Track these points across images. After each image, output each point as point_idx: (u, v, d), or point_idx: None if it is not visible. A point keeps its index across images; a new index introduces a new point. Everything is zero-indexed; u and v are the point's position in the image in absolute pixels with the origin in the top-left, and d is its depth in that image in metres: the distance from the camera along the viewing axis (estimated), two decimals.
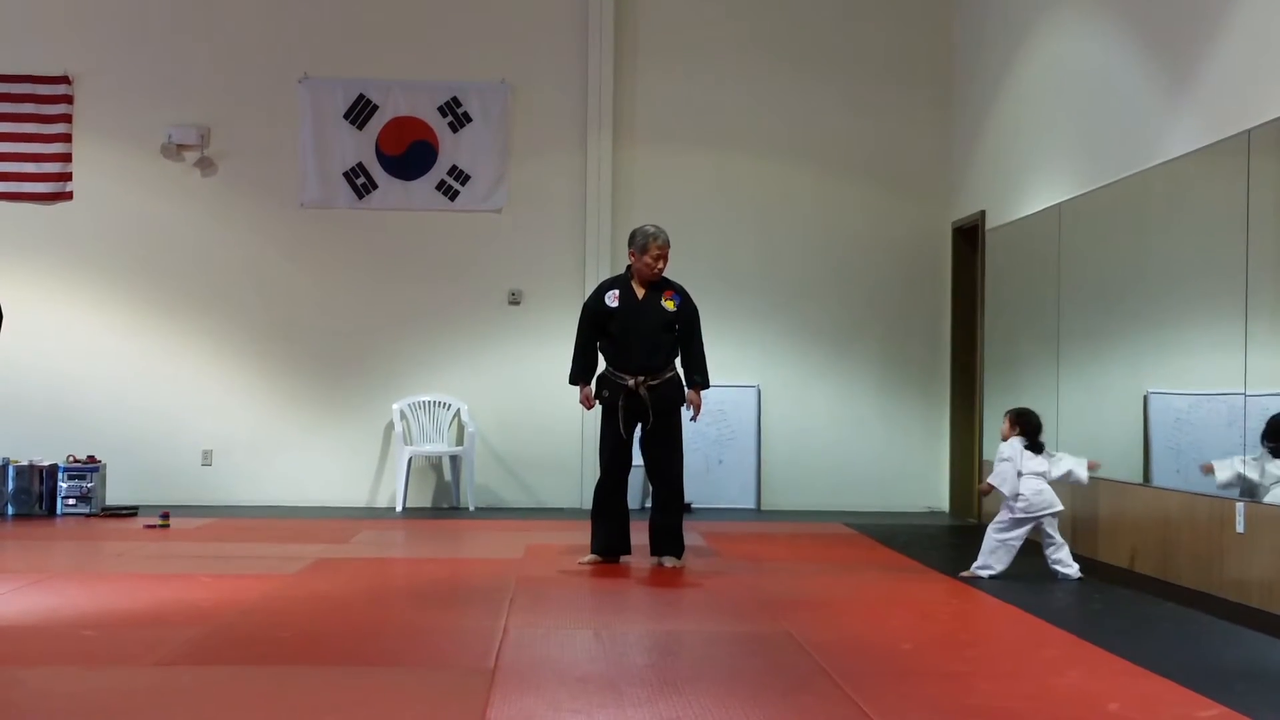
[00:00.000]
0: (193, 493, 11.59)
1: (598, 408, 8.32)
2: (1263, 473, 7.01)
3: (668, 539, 8.17)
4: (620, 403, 8.08)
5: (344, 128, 11.84)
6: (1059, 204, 9.53)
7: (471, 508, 11.54)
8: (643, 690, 4.91)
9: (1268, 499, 6.93)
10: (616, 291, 8.22)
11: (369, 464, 11.87)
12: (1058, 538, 7.79)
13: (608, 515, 8.22)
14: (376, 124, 11.86)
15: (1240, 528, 7.06)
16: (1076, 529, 8.71)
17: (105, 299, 11.77)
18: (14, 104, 11.67)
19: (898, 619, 6.58)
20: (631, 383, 8.08)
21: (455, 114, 11.89)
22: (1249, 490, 7.07)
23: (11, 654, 5.49)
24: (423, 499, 11.88)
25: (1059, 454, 7.98)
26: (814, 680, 5.13)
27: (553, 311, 11.76)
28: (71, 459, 11.03)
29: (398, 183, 11.88)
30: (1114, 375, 8.74)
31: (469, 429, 11.60)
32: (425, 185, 11.89)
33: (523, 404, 11.84)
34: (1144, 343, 8.33)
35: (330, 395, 11.88)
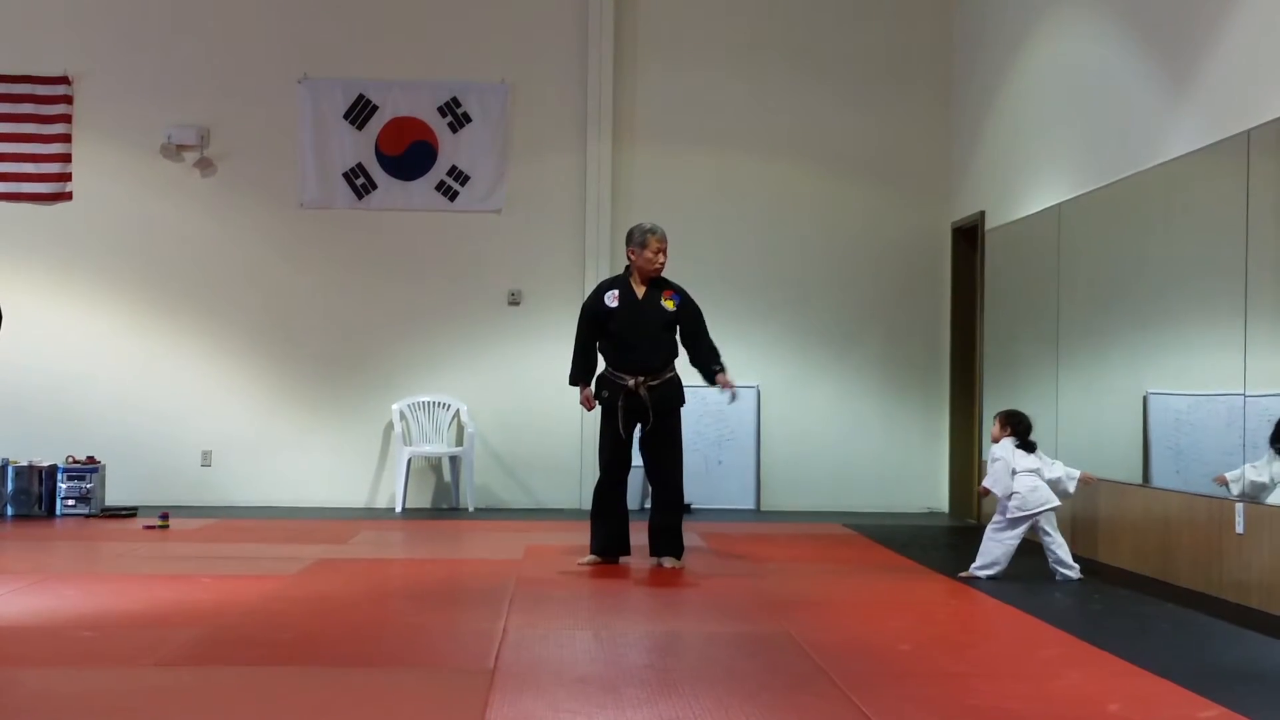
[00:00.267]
0: (192, 493, 11.59)
1: (598, 408, 8.32)
2: (1271, 475, 7.00)
3: (667, 539, 8.16)
4: (620, 403, 8.08)
5: (344, 128, 11.84)
6: (1059, 204, 9.52)
7: (471, 508, 11.54)
8: (642, 691, 4.91)
9: (1270, 499, 6.92)
10: (616, 291, 8.22)
11: (368, 464, 11.87)
12: (1057, 536, 7.77)
13: (607, 516, 8.22)
14: (376, 124, 11.86)
15: (1240, 528, 7.06)
16: (1076, 530, 8.71)
17: (104, 299, 11.77)
18: (14, 104, 11.67)
19: (897, 619, 6.57)
20: (631, 383, 8.08)
21: (455, 114, 11.89)
22: (1257, 493, 7.06)
23: (11, 655, 5.48)
24: (422, 500, 11.88)
25: (1055, 460, 7.97)
26: (813, 681, 5.13)
27: (552, 312, 11.76)
28: (71, 460, 11.03)
29: (397, 183, 11.88)
30: (1113, 375, 8.74)
31: (468, 429, 11.59)
32: (425, 185, 11.89)
33: (522, 404, 11.84)
34: (1144, 343, 8.33)
35: (330, 396, 11.88)
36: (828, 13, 12.08)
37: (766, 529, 10.49)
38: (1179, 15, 7.98)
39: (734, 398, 8.49)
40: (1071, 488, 7.87)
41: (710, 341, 8.29)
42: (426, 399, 11.84)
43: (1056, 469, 7.86)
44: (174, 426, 11.71)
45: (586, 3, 11.83)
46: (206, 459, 11.76)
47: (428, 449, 11.68)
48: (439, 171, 11.88)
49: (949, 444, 11.90)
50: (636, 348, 8.13)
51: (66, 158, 11.74)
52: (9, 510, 10.83)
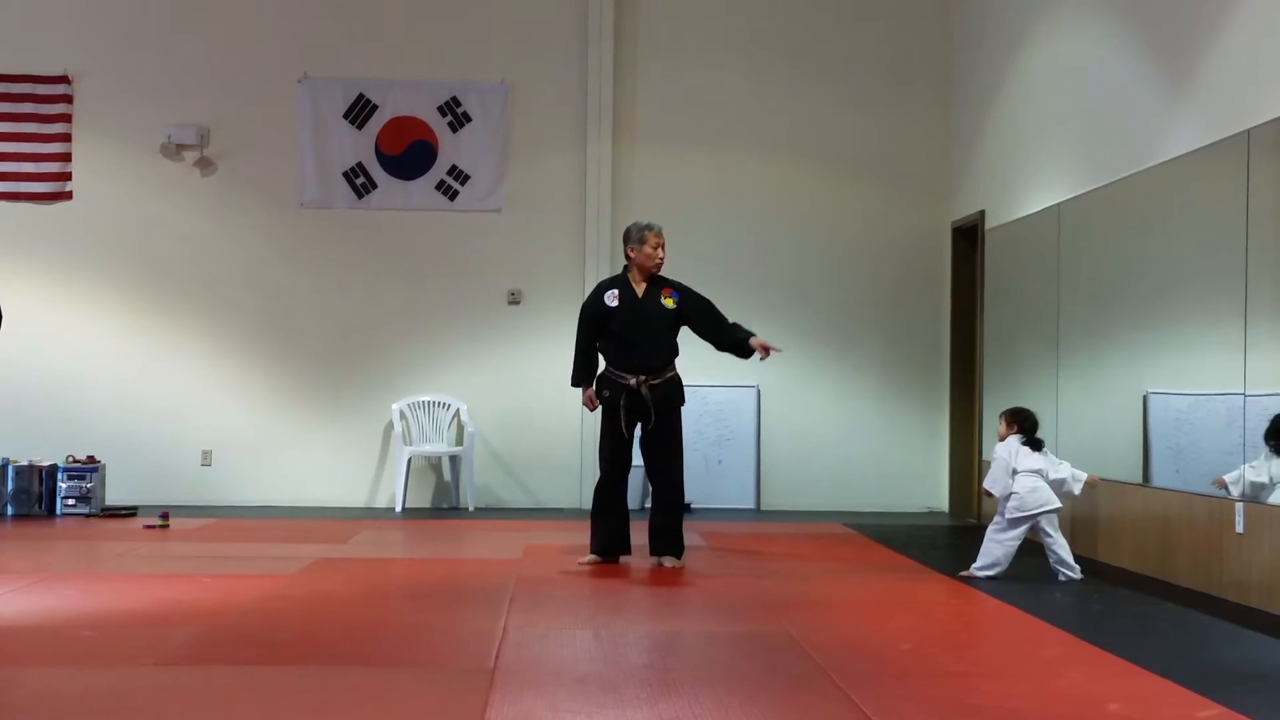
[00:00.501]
0: (192, 493, 11.59)
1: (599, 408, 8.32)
2: (1270, 475, 7.00)
3: (668, 539, 8.16)
4: (621, 402, 8.08)
5: (343, 127, 11.84)
6: (1059, 204, 9.52)
7: (471, 508, 11.54)
8: (642, 690, 4.91)
9: (1271, 499, 6.92)
10: (616, 291, 8.22)
11: (368, 464, 11.87)
12: (1058, 537, 7.77)
13: (608, 515, 8.22)
14: (376, 124, 11.86)
15: (1240, 528, 7.06)
16: (1076, 529, 8.71)
17: (105, 299, 11.77)
18: (14, 104, 11.67)
19: (897, 619, 6.57)
20: (633, 382, 8.07)
21: (455, 114, 11.89)
22: (1256, 493, 7.07)
23: (11, 654, 5.48)
24: (422, 499, 11.88)
25: (1062, 461, 7.94)
26: (813, 680, 5.13)
27: (552, 311, 11.76)
28: (71, 459, 11.03)
29: (397, 183, 11.88)
30: (1113, 375, 8.74)
31: (468, 429, 11.59)
32: (425, 185, 11.89)
33: (522, 404, 11.84)
34: (1144, 342, 8.33)
35: (330, 395, 11.88)
36: (828, 12, 12.08)
37: (767, 528, 10.49)
38: (1179, 15, 7.98)
39: (767, 353, 8.15)
40: (1077, 490, 7.85)
41: (725, 318, 8.28)
42: (426, 398, 11.84)
43: (1063, 470, 7.83)
44: (174, 426, 11.72)
45: (586, 2, 11.83)
46: (206, 458, 11.76)
47: (428, 448, 11.68)
48: (439, 171, 11.88)
49: (949, 444, 11.90)
50: (637, 347, 8.13)
51: (66, 157, 11.74)
52: (9, 510, 10.83)
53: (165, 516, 10.14)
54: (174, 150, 11.77)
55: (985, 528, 8.05)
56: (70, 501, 10.84)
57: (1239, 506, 7.09)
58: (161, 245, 11.81)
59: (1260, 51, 7.10)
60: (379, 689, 4.94)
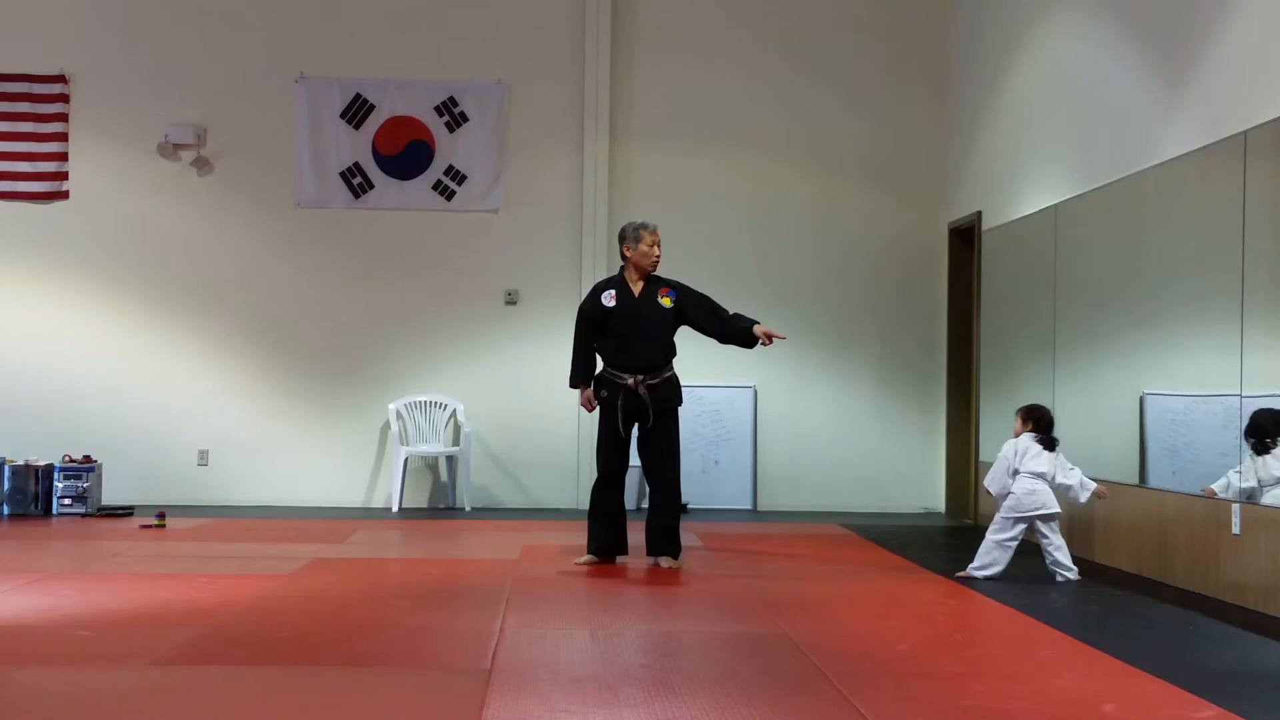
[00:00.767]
0: (189, 493, 11.58)
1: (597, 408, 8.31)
2: (1256, 474, 7.01)
3: (665, 539, 8.16)
4: (619, 402, 8.08)
5: (340, 127, 11.84)
6: (1055, 205, 9.53)
7: (467, 508, 11.53)
8: (639, 691, 4.91)
9: (1274, 497, 6.93)
10: (613, 291, 8.22)
11: (365, 464, 11.87)
12: (1055, 539, 7.77)
13: (605, 515, 8.22)
14: (373, 124, 11.86)
15: (1236, 529, 7.07)
16: (1073, 530, 8.71)
17: (101, 298, 11.77)
18: (10, 103, 11.66)
19: (894, 620, 6.58)
20: (630, 381, 8.08)
21: (452, 114, 11.89)
22: (1248, 497, 7.08)
23: (6, 654, 5.48)
24: (419, 499, 11.87)
25: (1074, 467, 7.93)
26: (810, 681, 5.13)
27: (549, 311, 11.76)
28: (67, 459, 11.02)
29: (394, 182, 11.88)
30: (1110, 376, 8.74)
31: (465, 429, 11.59)
32: (422, 185, 11.88)
33: (519, 404, 11.84)
34: (1140, 344, 8.33)
35: (326, 395, 11.87)
36: (825, 13, 12.08)
37: (763, 529, 10.49)
38: (1175, 17, 7.98)
39: (770, 340, 8.19)
40: (1084, 498, 7.83)
41: (728, 311, 8.29)
42: (423, 398, 11.83)
43: (1072, 476, 7.80)
44: (170, 426, 11.71)
45: (583, 3, 11.83)
46: (203, 458, 11.75)
47: (424, 448, 11.68)
48: (436, 171, 11.88)
49: (945, 444, 11.90)
50: (635, 346, 8.13)
51: (63, 156, 11.73)
52: (5, 509, 10.82)
53: (162, 516, 10.14)
54: (171, 150, 11.76)
55: (982, 528, 8.07)
56: (66, 501, 10.83)
57: (1235, 508, 7.09)
58: (158, 245, 11.80)
59: (1256, 53, 7.10)
60: (375, 689, 4.94)
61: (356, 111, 11.85)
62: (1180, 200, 7.90)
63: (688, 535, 8.83)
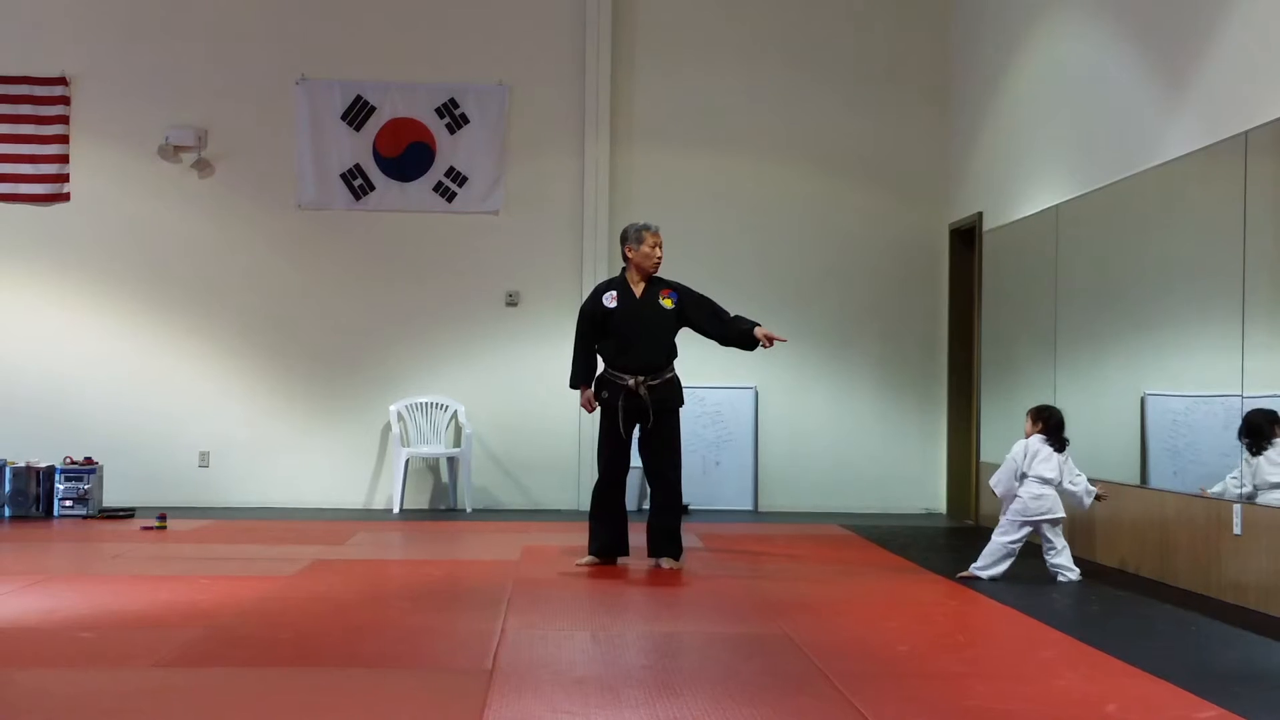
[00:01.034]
0: (190, 494, 11.59)
1: (598, 410, 8.31)
2: (1253, 480, 7.01)
3: (666, 540, 8.16)
4: (620, 403, 8.08)
5: (341, 129, 11.84)
6: (1056, 205, 9.53)
7: (468, 509, 11.53)
8: (640, 692, 4.91)
9: (1267, 499, 6.93)
10: (614, 292, 8.22)
11: (366, 465, 11.87)
12: (1059, 543, 7.77)
13: (606, 516, 8.22)
14: (374, 125, 11.86)
15: (1237, 530, 7.06)
16: (1074, 531, 8.70)
17: (102, 300, 11.77)
18: (11, 105, 11.67)
19: (895, 620, 6.57)
20: (631, 382, 8.08)
21: (453, 115, 11.89)
22: (1246, 496, 7.08)
23: (8, 656, 5.48)
24: (420, 500, 11.87)
25: (1081, 473, 7.90)
26: (811, 682, 5.13)
27: (550, 313, 11.76)
28: (69, 460, 11.02)
29: (395, 184, 11.88)
30: (1111, 377, 8.74)
31: (466, 430, 11.59)
32: (422, 186, 11.89)
33: (520, 405, 11.84)
34: (1141, 344, 8.33)
35: (327, 397, 11.88)
36: (825, 15, 12.09)
37: (764, 530, 10.49)
38: (1176, 17, 7.98)
39: (771, 342, 8.19)
40: (1087, 503, 7.85)
41: (729, 313, 8.30)
42: (424, 400, 11.83)
43: (1079, 483, 7.81)
44: (171, 427, 11.71)
45: (584, 4, 11.83)
46: (204, 460, 11.75)
47: (425, 450, 11.68)
48: (437, 173, 11.88)
49: (946, 445, 11.90)
50: (637, 347, 8.13)
51: (64, 158, 11.74)
52: (6, 511, 10.82)
53: (163, 518, 10.14)
54: (172, 152, 11.76)
55: (983, 528, 8.07)
56: (68, 503, 10.83)
57: (1237, 508, 7.09)
58: (159, 247, 11.81)
59: (1257, 54, 7.10)
60: (377, 690, 4.94)
61: (357, 113, 11.85)
62: (1181, 201, 7.90)
63: (689, 536, 8.83)
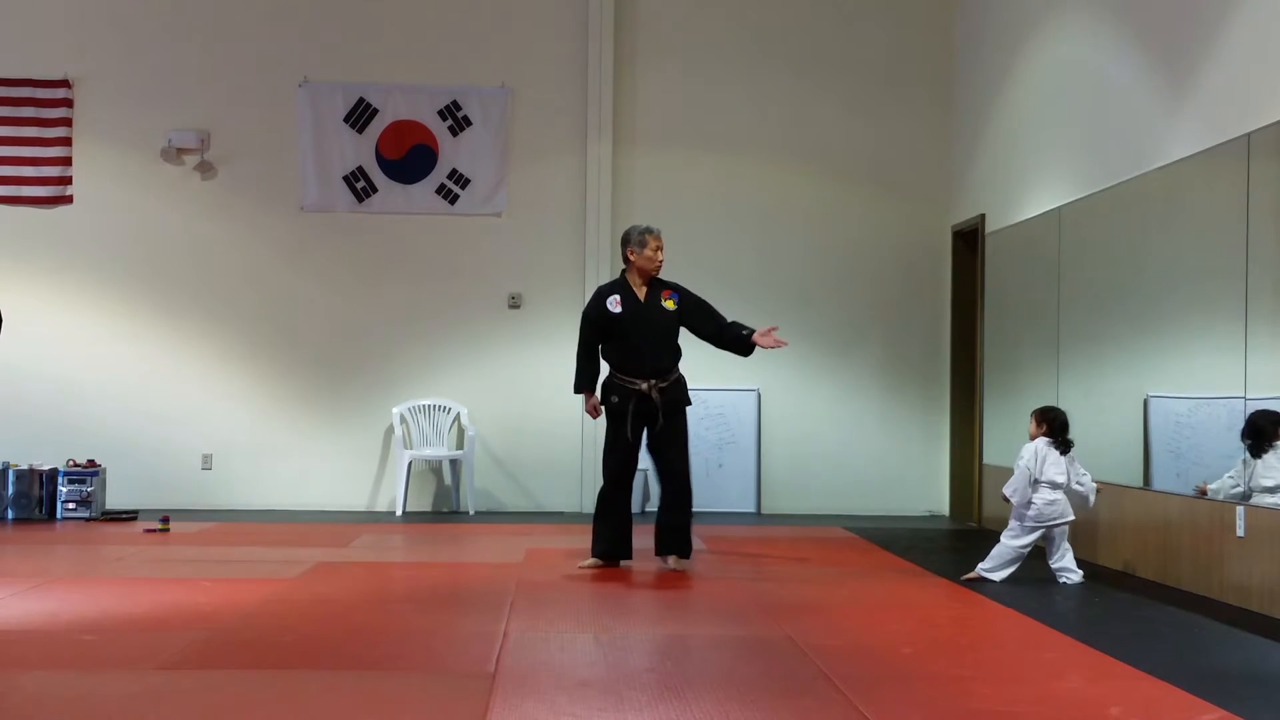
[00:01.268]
0: (193, 497, 11.59)
1: (603, 414, 8.30)
2: (1250, 475, 7.01)
3: (676, 538, 8.17)
4: (631, 407, 8.07)
5: (344, 131, 11.85)
6: (1059, 207, 9.53)
7: (471, 512, 11.54)
8: (643, 694, 4.91)
9: (1260, 502, 6.92)
10: (617, 296, 8.22)
11: (369, 468, 11.87)
12: (1063, 544, 7.77)
13: (611, 519, 8.21)
14: (376, 128, 11.87)
15: (1240, 532, 7.06)
16: (1077, 532, 8.69)
17: (105, 303, 11.78)
18: (14, 107, 11.67)
19: (898, 623, 6.57)
20: (644, 386, 8.08)
21: (455, 118, 11.89)
22: (1242, 497, 7.08)
23: (11, 658, 5.49)
24: (423, 503, 11.87)
25: (1085, 471, 7.89)
26: (815, 684, 5.13)
27: (553, 315, 11.77)
28: (71, 463, 11.03)
29: (398, 186, 11.88)
30: (1114, 379, 8.74)
31: (469, 433, 11.59)
32: (425, 189, 11.89)
33: (523, 408, 11.84)
34: (1144, 346, 8.33)
35: (330, 399, 11.88)
36: (828, 17, 12.09)
37: (767, 532, 10.48)
38: (1178, 19, 7.98)
39: (776, 343, 8.20)
40: (1092, 500, 7.86)
41: (726, 319, 8.30)
42: (427, 402, 11.84)
43: (1086, 481, 7.78)
44: (174, 430, 11.72)
45: (587, 7, 11.84)
46: (207, 462, 11.76)
47: (428, 452, 11.68)
48: (439, 175, 11.89)
49: (950, 447, 11.89)
50: (646, 351, 8.14)
51: (67, 161, 11.75)
52: (10, 513, 10.82)
53: (166, 520, 10.14)
54: (174, 154, 11.77)
55: (985, 530, 8.07)
56: (71, 505, 10.84)
57: (1239, 510, 7.09)
58: (162, 249, 11.81)
59: (1259, 55, 7.10)
60: (380, 693, 4.95)
61: (360, 115, 11.86)
62: (1184, 202, 7.90)
63: (692, 538, 8.81)
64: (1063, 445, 7.77)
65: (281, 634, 6.08)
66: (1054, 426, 7.85)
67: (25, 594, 7.03)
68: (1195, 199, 7.78)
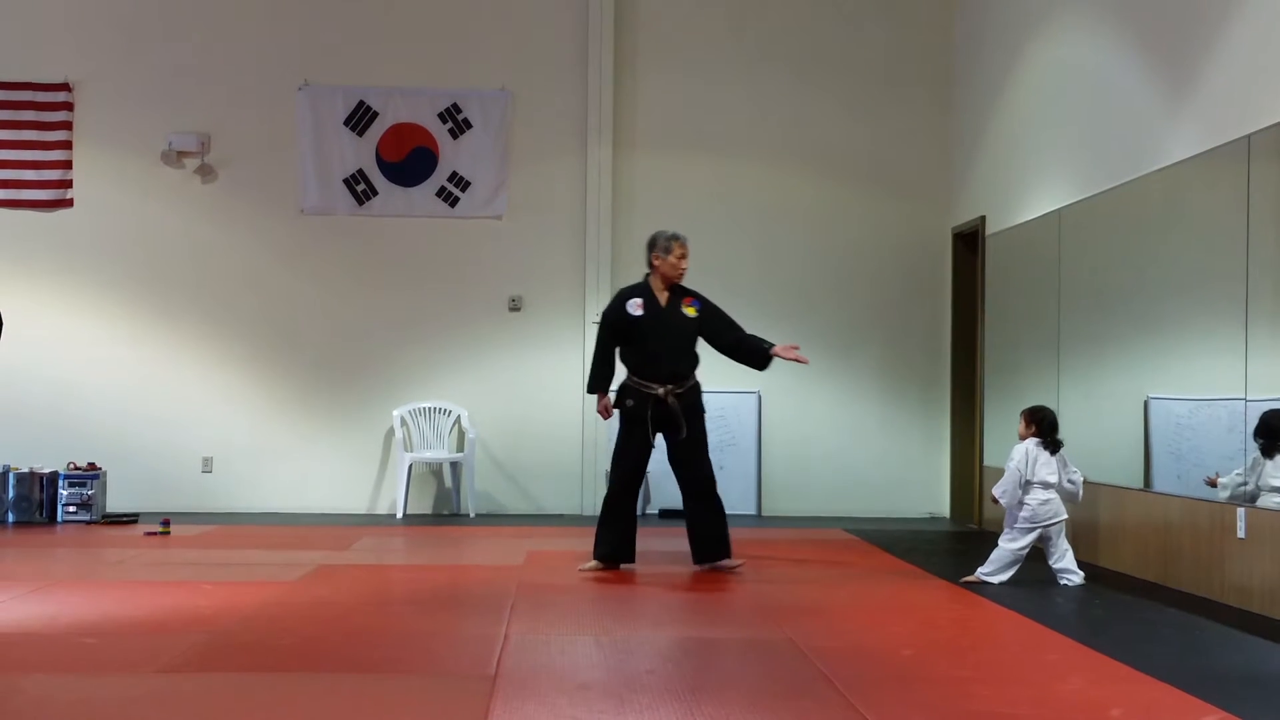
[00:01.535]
0: (193, 500, 11.59)
1: (614, 416, 8.31)
2: (1260, 474, 7.01)
3: (721, 543, 8.18)
4: (649, 412, 8.08)
5: (344, 134, 11.85)
6: (1059, 209, 9.53)
7: (472, 514, 11.53)
8: (644, 697, 4.91)
9: (1266, 503, 6.92)
10: (639, 300, 8.23)
11: (369, 471, 11.87)
12: (1062, 544, 7.77)
13: (617, 522, 8.22)
14: (377, 130, 11.87)
15: (1241, 533, 7.06)
16: (1077, 534, 8.70)
17: (105, 306, 11.78)
18: (14, 111, 11.68)
19: (899, 625, 6.57)
20: (661, 391, 8.08)
21: (455, 120, 11.89)
22: (1249, 496, 7.08)
23: (12, 662, 5.48)
24: (423, 506, 11.87)
25: (1075, 468, 7.90)
26: (815, 686, 5.13)
27: (553, 318, 11.77)
28: (72, 466, 11.03)
29: (398, 189, 11.88)
30: (1114, 380, 8.74)
31: (469, 435, 11.59)
32: (425, 192, 11.89)
33: (523, 410, 11.84)
34: (1144, 348, 8.33)
35: (331, 402, 11.88)
36: (827, 19, 12.09)
37: (768, 534, 10.48)
38: (1179, 20, 7.98)
39: (797, 358, 8.26)
40: (1080, 495, 7.87)
41: (743, 329, 8.31)
42: (427, 405, 11.84)
43: (1076, 478, 7.79)
44: (175, 433, 11.72)
45: (587, 9, 11.84)
46: (207, 465, 11.76)
47: (429, 455, 11.68)
48: (440, 178, 11.89)
49: (950, 449, 11.89)
50: (665, 356, 8.16)
51: (67, 164, 11.75)
52: (10, 517, 10.82)
53: (166, 523, 10.14)
54: (175, 157, 11.78)
55: (986, 532, 8.06)
56: (71, 508, 10.84)
57: (1240, 511, 7.09)
58: (162, 252, 11.82)
59: (1260, 57, 7.10)
60: (380, 696, 4.95)
61: (360, 118, 11.86)
62: (1184, 204, 7.90)
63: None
64: (1052, 445, 7.78)
65: (282, 637, 6.08)
66: (1043, 426, 7.85)
67: (26, 597, 7.03)
68: (1196, 201, 7.78)
